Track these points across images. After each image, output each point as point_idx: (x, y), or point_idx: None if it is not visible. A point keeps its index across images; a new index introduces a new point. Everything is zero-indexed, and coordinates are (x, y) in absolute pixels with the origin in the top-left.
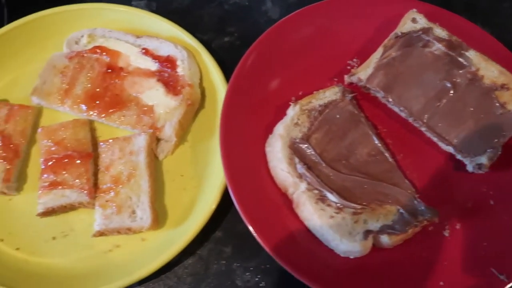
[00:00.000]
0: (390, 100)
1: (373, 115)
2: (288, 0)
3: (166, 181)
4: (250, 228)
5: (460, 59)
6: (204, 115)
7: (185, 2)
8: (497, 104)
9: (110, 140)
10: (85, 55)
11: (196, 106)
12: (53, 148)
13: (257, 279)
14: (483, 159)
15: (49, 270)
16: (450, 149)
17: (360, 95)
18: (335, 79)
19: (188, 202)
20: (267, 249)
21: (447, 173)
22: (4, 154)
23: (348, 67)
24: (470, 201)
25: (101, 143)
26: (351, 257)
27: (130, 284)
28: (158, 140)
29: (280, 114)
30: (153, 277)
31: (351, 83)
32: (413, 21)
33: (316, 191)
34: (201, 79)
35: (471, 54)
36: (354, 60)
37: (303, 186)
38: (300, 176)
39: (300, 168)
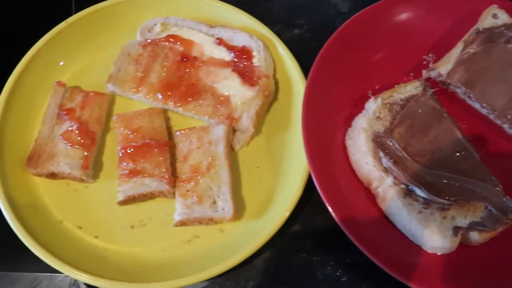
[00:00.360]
0: (472, 96)
1: (452, 111)
2: None
3: (242, 172)
4: (337, 219)
5: None
6: (278, 107)
7: None
8: None
9: (186, 130)
10: (159, 43)
11: (271, 98)
12: (130, 136)
13: (338, 273)
14: None
15: (128, 258)
16: None
17: (438, 91)
18: (411, 73)
19: (266, 194)
20: (355, 241)
21: None
22: (82, 141)
23: (424, 62)
24: None
25: (177, 132)
26: (439, 253)
27: (212, 277)
28: (234, 130)
29: (357, 107)
30: (232, 268)
31: (429, 78)
32: (494, 16)
33: (403, 186)
34: (274, 70)
35: None
36: (430, 55)
37: (389, 180)
38: (386, 170)
39: (386, 162)
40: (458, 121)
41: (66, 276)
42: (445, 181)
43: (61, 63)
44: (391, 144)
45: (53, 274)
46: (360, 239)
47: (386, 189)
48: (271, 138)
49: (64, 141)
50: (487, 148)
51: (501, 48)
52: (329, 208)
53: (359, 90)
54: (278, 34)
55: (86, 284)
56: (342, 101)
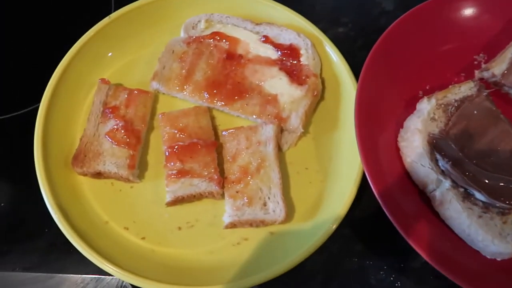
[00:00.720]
0: None
1: (506, 112)
2: None
3: (290, 173)
4: (395, 224)
5: None
6: (325, 106)
7: None
8: None
9: (233, 129)
10: (203, 40)
11: (319, 97)
12: (177, 136)
13: (392, 278)
14: None
15: (176, 260)
16: None
17: (493, 91)
18: (462, 74)
19: (316, 196)
20: (414, 246)
21: None
22: (127, 140)
23: (475, 62)
24: None
25: (224, 132)
26: (499, 259)
27: (264, 282)
28: (281, 130)
29: (408, 108)
30: None
31: (481, 78)
32: None
33: (461, 189)
34: (321, 69)
35: None
36: (481, 55)
37: (447, 183)
38: (443, 172)
39: (444, 164)
40: None
41: (113, 278)
42: (504, 184)
43: (104, 59)
44: (447, 146)
45: (100, 276)
46: (419, 243)
47: (444, 192)
48: (318, 138)
49: (110, 140)
50: None
51: None
52: (387, 213)
53: (410, 90)
54: (323, 32)
55: (132, 286)
56: (392, 102)
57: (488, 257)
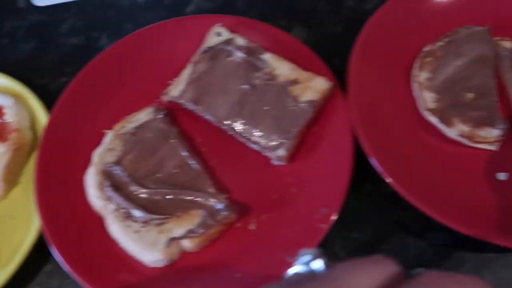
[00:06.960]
0: (199, 110)
1: (191, 128)
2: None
3: None
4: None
5: (257, 62)
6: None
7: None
8: (290, 98)
9: None
10: None
11: (26, 149)
12: None
13: None
14: (281, 151)
15: None
16: (255, 147)
17: (180, 111)
18: (157, 100)
19: (19, 243)
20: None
21: (257, 170)
22: None
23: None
24: (276, 193)
25: None
26: (161, 265)
27: None
28: None
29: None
30: None
31: (170, 101)
32: (218, 34)
33: (123, 210)
34: (33, 122)
35: (267, 56)
36: (174, 79)
37: (111, 207)
38: (109, 198)
39: (109, 191)
40: (197, 136)
41: None
42: (163, 197)
43: None
44: (117, 172)
45: None
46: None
47: (108, 216)
48: (28, 187)
49: None
50: (221, 155)
51: (223, 62)
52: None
53: (104, 126)
54: (46, 85)
55: None
56: (84, 140)
57: (151, 265)
